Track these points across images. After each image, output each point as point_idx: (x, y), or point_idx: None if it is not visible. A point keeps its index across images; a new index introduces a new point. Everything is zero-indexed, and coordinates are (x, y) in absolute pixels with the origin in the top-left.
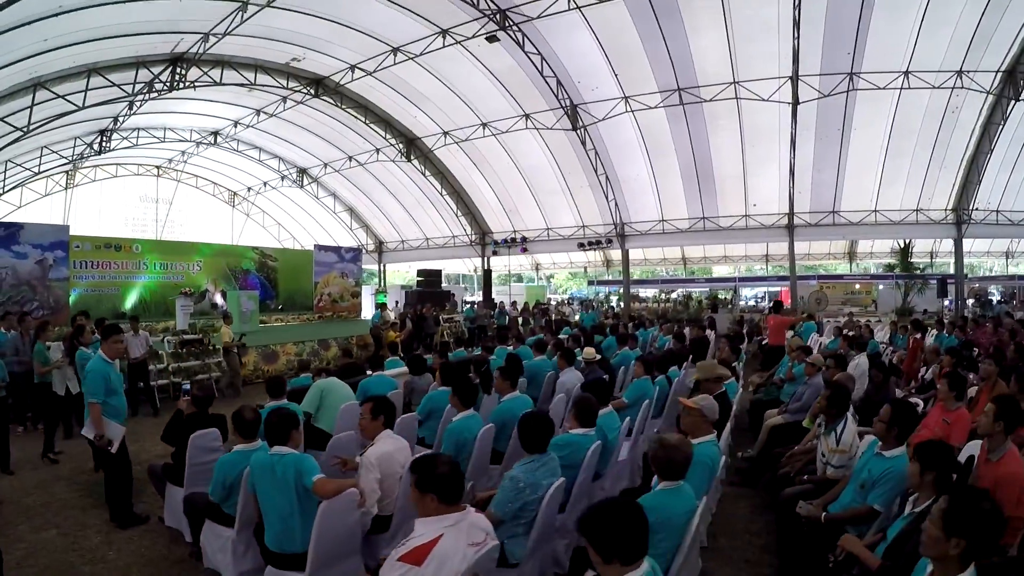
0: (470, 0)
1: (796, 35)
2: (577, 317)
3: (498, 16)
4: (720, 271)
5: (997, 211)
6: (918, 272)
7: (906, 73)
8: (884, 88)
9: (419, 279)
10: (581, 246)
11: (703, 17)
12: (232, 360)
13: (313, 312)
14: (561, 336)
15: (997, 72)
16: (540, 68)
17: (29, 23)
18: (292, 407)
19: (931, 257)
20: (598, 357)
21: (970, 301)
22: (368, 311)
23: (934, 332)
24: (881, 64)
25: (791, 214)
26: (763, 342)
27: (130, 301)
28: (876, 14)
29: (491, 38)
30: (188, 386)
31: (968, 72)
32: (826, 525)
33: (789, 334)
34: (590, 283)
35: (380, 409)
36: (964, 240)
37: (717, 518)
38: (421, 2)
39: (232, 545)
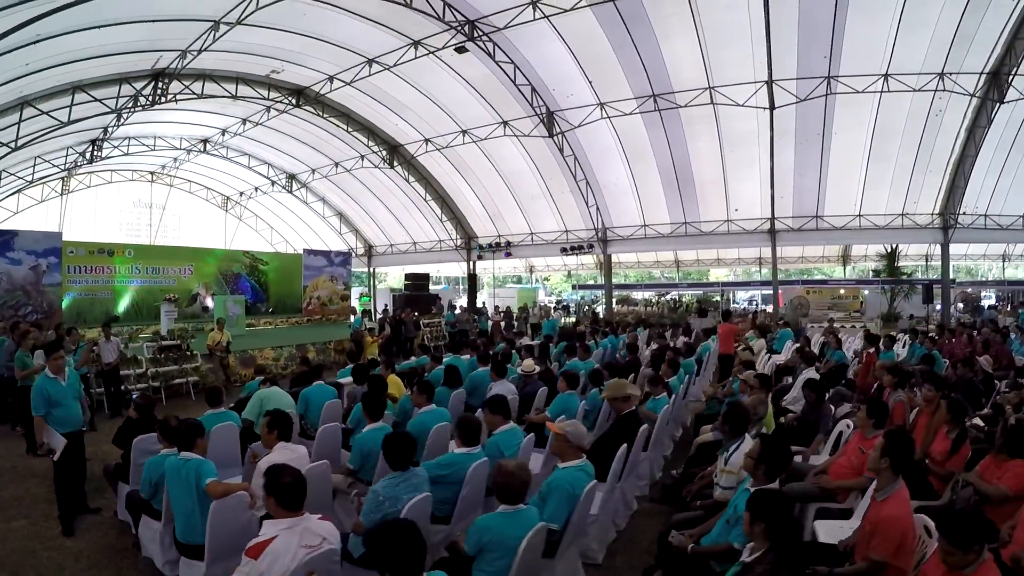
0: (435, 14)
1: (768, 40)
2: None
3: (466, 27)
4: (717, 274)
5: (985, 215)
6: (905, 277)
7: (886, 76)
8: (863, 91)
9: (407, 283)
10: (564, 251)
11: (673, 24)
12: (215, 362)
13: (303, 315)
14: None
15: (981, 74)
16: (513, 77)
17: (10, 51)
18: (231, 416)
19: (926, 260)
20: (536, 369)
21: (960, 306)
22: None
23: (907, 341)
24: (859, 67)
25: (772, 219)
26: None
27: (123, 305)
28: (851, 16)
29: (460, 49)
30: (136, 395)
31: (950, 74)
32: (692, 558)
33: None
34: (575, 287)
35: (275, 423)
36: (959, 244)
37: (623, 535)
38: (391, 15)
39: (159, 536)
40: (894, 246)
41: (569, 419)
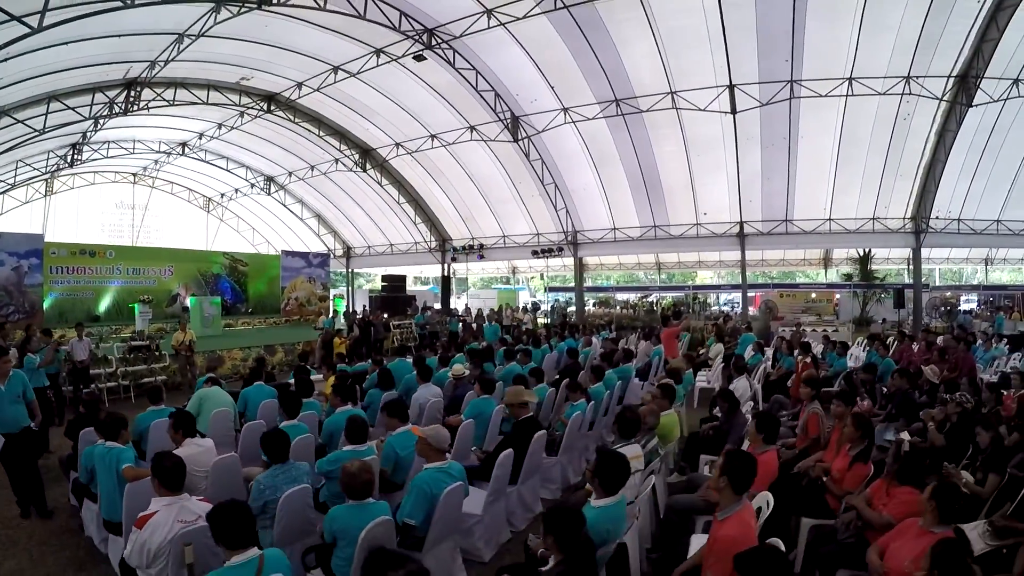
0: (391, 24)
1: (725, 45)
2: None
3: (424, 36)
4: (703, 277)
5: (959, 220)
6: (878, 281)
7: (850, 79)
8: (826, 96)
9: (383, 284)
10: (535, 253)
11: (629, 29)
12: (181, 360)
13: (281, 316)
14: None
15: (948, 77)
16: (475, 83)
17: None
18: (168, 412)
19: (908, 264)
20: (466, 373)
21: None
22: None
23: (867, 347)
24: (822, 71)
25: (741, 223)
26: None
27: (104, 305)
28: (811, 21)
29: (418, 57)
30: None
31: (917, 78)
32: (542, 562)
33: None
34: (547, 289)
35: (179, 423)
36: (940, 249)
37: (519, 536)
38: (353, 26)
39: (96, 517)
40: (867, 250)
41: (483, 422)
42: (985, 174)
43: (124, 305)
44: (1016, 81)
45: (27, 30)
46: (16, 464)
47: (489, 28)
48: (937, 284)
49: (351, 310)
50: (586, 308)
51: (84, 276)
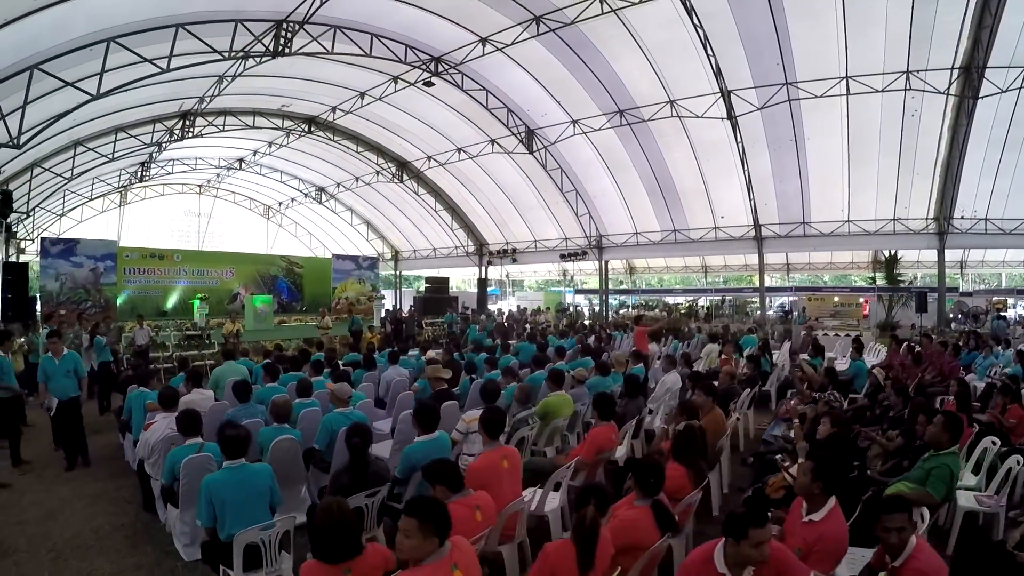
0: (397, 57)
1: (708, 53)
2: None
3: (432, 64)
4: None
5: (986, 219)
6: (903, 284)
7: (846, 78)
8: (824, 96)
9: (427, 286)
10: (563, 257)
11: (616, 45)
12: (227, 347)
13: (332, 313)
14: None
15: (951, 70)
16: (486, 102)
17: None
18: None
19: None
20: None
21: (959, 315)
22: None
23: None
24: (815, 72)
25: (757, 226)
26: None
27: (171, 302)
28: (793, 24)
29: (427, 83)
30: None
31: (917, 72)
32: None
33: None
34: (577, 291)
35: (190, 378)
36: (979, 250)
37: None
38: (368, 58)
39: (131, 444)
40: (892, 252)
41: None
42: (1009, 170)
43: (188, 302)
44: None
45: (88, 96)
46: (65, 424)
47: (485, 54)
48: (970, 289)
49: (395, 308)
50: (629, 309)
51: (153, 276)
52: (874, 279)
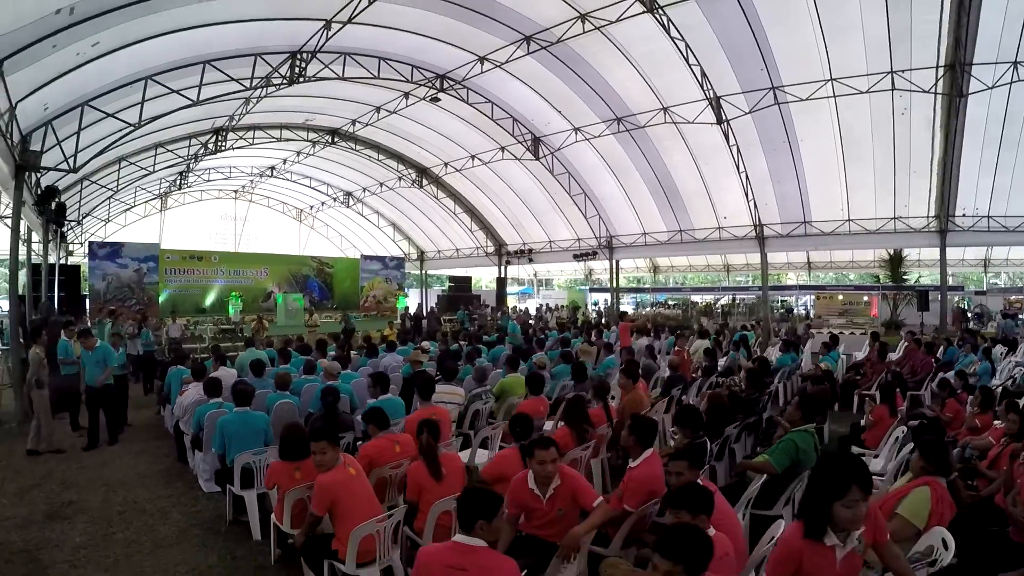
0: (404, 77)
1: (689, 63)
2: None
3: (437, 81)
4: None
5: (988, 216)
6: (906, 283)
7: (831, 80)
8: (809, 99)
9: (450, 285)
10: (576, 257)
11: (605, 58)
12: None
13: (359, 311)
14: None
15: (936, 68)
16: (491, 114)
17: (110, 146)
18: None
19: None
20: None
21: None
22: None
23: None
24: (800, 75)
25: (758, 226)
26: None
27: (209, 300)
28: (770, 31)
29: (433, 99)
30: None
31: (901, 72)
32: None
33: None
34: (592, 290)
35: (216, 357)
36: (980, 248)
37: None
38: (378, 79)
39: (170, 413)
40: (897, 251)
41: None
42: (1009, 167)
43: (224, 299)
44: (1016, 64)
45: (131, 126)
46: (97, 407)
47: (484, 72)
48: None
49: (419, 306)
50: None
51: (192, 276)
52: (878, 278)
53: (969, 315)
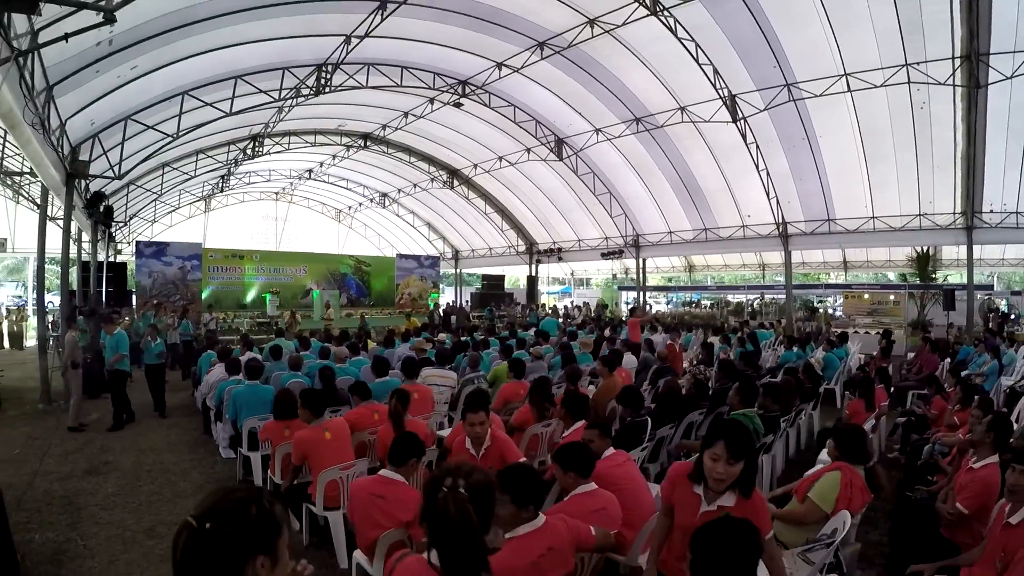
0: (427, 84)
1: (699, 63)
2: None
3: (459, 87)
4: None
5: (1016, 212)
6: (934, 281)
7: (845, 75)
8: (824, 95)
9: (483, 283)
10: (604, 256)
11: (618, 61)
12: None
13: (395, 307)
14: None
15: (952, 59)
16: (514, 117)
17: (151, 154)
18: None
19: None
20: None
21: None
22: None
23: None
24: (814, 71)
25: (781, 224)
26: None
27: (250, 296)
28: (779, 28)
29: (457, 104)
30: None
31: (916, 64)
32: None
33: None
34: (620, 288)
35: (244, 343)
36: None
37: None
38: (401, 87)
39: (200, 392)
40: (924, 248)
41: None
42: None
43: (262, 296)
44: None
45: (170, 137)
46: (120, 388)
47: (502, 77)
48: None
49: (453, 303)
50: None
51: (234, 274)
52: (904, 277)
53: (990, 314)
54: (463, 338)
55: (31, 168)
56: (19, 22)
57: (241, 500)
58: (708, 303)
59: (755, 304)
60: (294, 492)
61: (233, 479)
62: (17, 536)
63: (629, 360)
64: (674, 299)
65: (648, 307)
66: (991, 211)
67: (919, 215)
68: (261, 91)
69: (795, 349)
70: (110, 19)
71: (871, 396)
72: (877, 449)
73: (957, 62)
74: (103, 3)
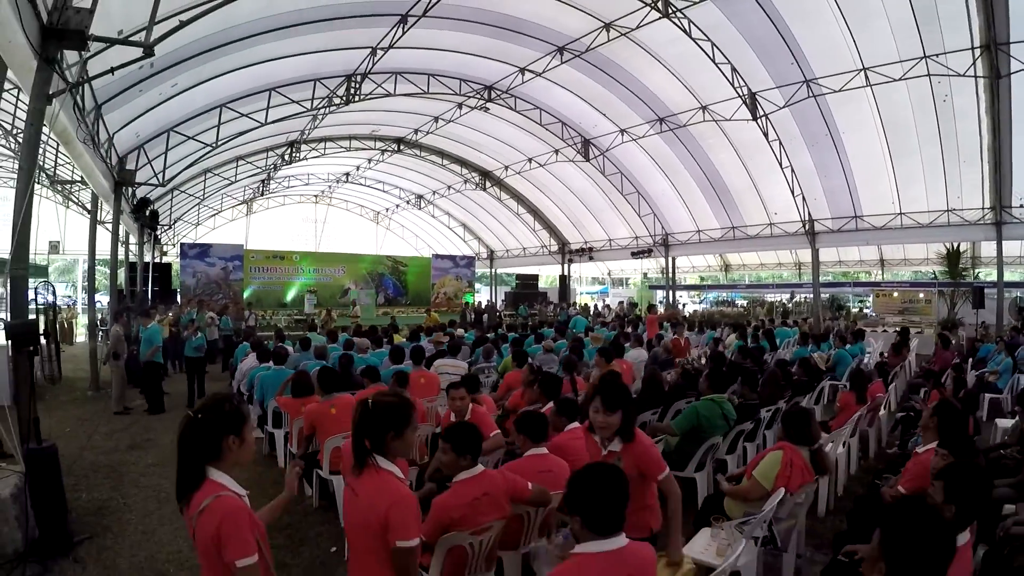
0: (452, 90)
1: (716, 62)
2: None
3: (485, 92)
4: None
5: None
6: (964, 279)
7: (864, 70)
8: (843, 90)
9: (517, 282)
10: (633, 255)
11: (636, 62)
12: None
13: (430, 307)
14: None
15: (972, 50)
16: (540, 119)
17: (193, 163)
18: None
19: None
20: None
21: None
22: None
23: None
24: (832, 67)
25: (808, 221)
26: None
27: (290, 295)
28: (793, 25)
29: (483, 108)
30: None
31: (935, 56)
32: None
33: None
34: (650, 287)
35: (277, 336)
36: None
37: None
38: (433, 90)
39: (235, 379)
40: (955, 245)
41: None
42: None
43: (301, 295)
44: None
45: (209, 147)
46: (150, 380)
47: (525, 81)
48: None
49: (488, 302)
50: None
51: (275, 274)
52: (935, 275)
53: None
54: (488, 334)
55: (82, 177)
56: (69, 53)
57: (219, 399)
58: (743, 302)
59: (786, 303)
60: (306, 460)
61: (258, 453)
62: (67, 495)
63: (639, 353)
64: (707, 298)
65: (683, 306)
66: (1021, 205)
67: (947, 211)
68: (294, 101)
69: (809, 345)
70: (149, 54)
71: (863, 389)
72: (876, 444)
73: (976, 52)
74: (143, 41)
